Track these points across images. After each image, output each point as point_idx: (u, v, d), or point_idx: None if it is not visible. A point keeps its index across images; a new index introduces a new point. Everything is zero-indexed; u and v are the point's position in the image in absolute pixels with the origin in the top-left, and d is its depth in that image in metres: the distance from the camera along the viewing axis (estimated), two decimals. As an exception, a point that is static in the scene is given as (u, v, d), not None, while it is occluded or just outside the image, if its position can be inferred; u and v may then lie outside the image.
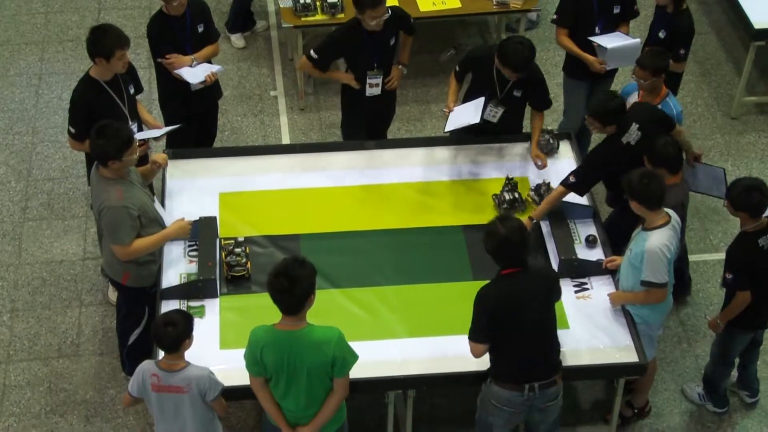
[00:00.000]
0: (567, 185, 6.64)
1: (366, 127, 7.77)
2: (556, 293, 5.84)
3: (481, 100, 7.08)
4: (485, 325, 5.58)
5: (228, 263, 6.42)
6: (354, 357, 5.39)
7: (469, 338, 5.65)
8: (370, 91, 7.46)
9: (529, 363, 5.65)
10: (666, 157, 6.38)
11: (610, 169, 6.63)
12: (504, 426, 5.87)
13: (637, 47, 7.54)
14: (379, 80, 7.43)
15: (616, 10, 7.67)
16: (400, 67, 7.62)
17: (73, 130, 6.74)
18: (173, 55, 7.24)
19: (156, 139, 7.07)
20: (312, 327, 5.33)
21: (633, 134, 6.57)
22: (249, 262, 6.44)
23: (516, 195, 6.90)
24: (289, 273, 5.19)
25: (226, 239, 6.56)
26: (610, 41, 7.54)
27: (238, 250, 6.46)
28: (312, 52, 7.39)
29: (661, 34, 7.56)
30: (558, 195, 6.70)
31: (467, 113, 7.07)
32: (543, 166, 7.09)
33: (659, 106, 6.88)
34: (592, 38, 7.56)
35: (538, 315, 5.62)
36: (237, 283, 6.42)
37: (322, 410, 5.46)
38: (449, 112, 7.13)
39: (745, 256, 6.18)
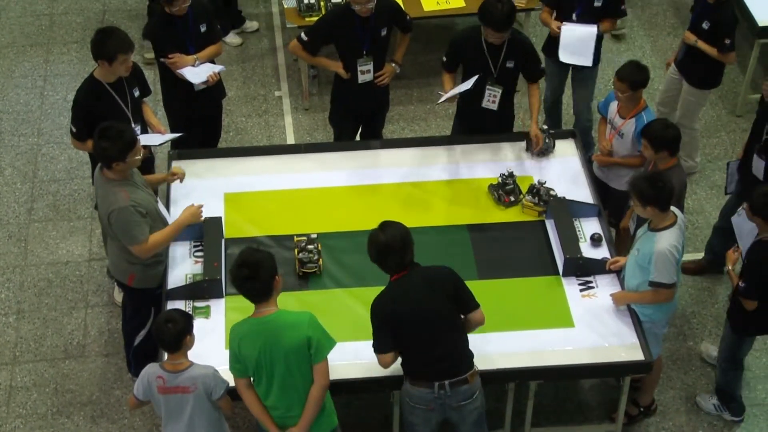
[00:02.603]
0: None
1: (354, 119, 7.76)
2: (457, 287, 5.66)
3: (474, 77, 7.10)
4: (387, 335, 5.56)
5: (300, 260, 6.42)
6: (331, 342, 5.41)
7: (374, 351, 5.62)
8: (362, 78, 7.42)
9: (437, 360, 5.62)
10: (668, 140, 6.37)
11: None
12: (423, 425, 5.83)
13: (591, 36, 7.66)
14: (370, 67, 7.40)
15: (597, 3, 7.72)
16: (393, 65, 7.60)
17: (74, 130, 6.76)
18: (176, 54, 7.25)
19: (157, 145, 7.09)
20: (283, 311, 5.40)
21: None
22: (321, 259, 6.45)
23: (513, 184, 6.93)
24: (250, 260, 5.28)
25: (298, 236, 6.57)
26: (570, 27, 7.69)
27: (310, 246, 6.46)
28: (302, 34, 7.39)
29: (705, 26, 7.61)
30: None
31: (460, 87, 7.13)
32: (536, 146, 7.13)
33: (633, 121, 6.85)
34: (563, 24, 7.71)
35: (436, 310, 5.58)
36: (308, 279, 6.42)
37: (306, 405, 5.46)
38: (444, 95, 7.13)
39: (763, 267, 6.11)
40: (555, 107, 8.45)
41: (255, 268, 5.26)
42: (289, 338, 5.31)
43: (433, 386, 5.63)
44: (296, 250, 6.49)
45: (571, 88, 8.24)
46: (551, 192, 6.86)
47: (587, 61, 7.75)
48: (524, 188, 6.94)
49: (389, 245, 5.49)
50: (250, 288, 5.33)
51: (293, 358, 5.35)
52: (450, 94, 7.11)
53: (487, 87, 7.17)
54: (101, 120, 6.21)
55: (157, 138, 6.98)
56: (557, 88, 8.28)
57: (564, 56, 7.77)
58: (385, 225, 5.60)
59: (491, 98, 7.22)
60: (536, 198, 6.84)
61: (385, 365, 5.64)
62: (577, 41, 7.70)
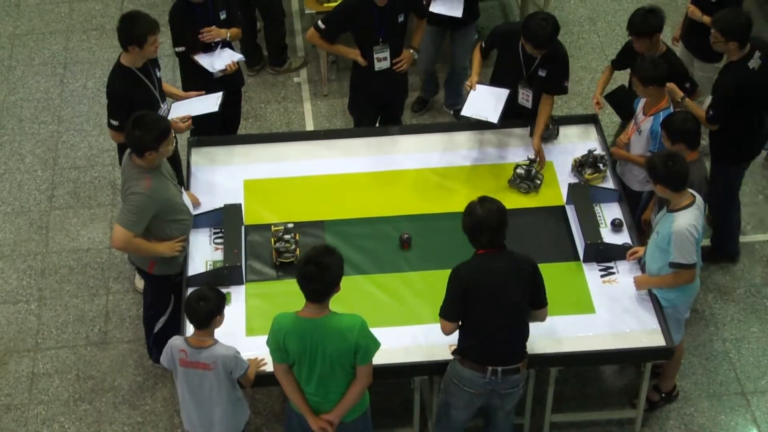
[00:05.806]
0: (709, 119, 6.88)
1: (373, 106, 7.75)
2: (537, 281, 5.67)
3: (505, 92, 7.05)
4: (458, 303, 5.57)
5: (277, 249, 6.43)
6: (376, 344, 5.40)
7: (440, 315, 5.63)
8: (378, 65, 7.41)
9: (496, 345, 5.63)
10: (685, 132, 6.30)
11: (739, 95, 6.82)
12: (463, 408, 5.85)
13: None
14: (386, 54, 7.38)
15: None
16: (411, 51, 7.57)
17: (116, 123, 6.67)
18: (209, 27, 7.22)
19: (217, 109, 7.01)
20: (335, 314, 5.34)
21: (756, 61, 6.80)
22: (298, 249, 6.45)
23: (532, 170, 6.91)
24: (320, 261, 5.21)
25: (275, 225, 6.58)
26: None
27: (287, 236, 6.47)
28: (319, 22, 7.38)
29: None
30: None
31: (488, 105, 7.04)
32: (540, 165, 6.97)
33: (651, 119, 6.71)
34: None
35: (512, 295, 5.59)
36: (286, 269, 6.42)
37: (345, 397, 5.47)
38: (470, 89, 7.09)
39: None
40: (433, 77, 8.73)
41: (321, 270, 5.19)
42: (338, 343, 5.30)
43: (486, 371, 5.64)
44: (273, 240, 6.48)
45: (452, 48, 8.33)
46: (603, 157, 6.98)
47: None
48: (548, 173, 6.94)
49: (484, 220, 5.51)
50: (309, 288, 5.26)
51: (337, 360, 5.34)
52: (474, 113, 7.05)
53: (520, 87, 7.12)
54: (138, 106, 6.22)
55: (210, 103, 6.95)
56: (433, 56, 8.47)
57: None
58: (484, 199, 5.62)
59: (524, 97, 7.17)
60: (592, 168, 6.89)
61: (446, 332, 5.67)
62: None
